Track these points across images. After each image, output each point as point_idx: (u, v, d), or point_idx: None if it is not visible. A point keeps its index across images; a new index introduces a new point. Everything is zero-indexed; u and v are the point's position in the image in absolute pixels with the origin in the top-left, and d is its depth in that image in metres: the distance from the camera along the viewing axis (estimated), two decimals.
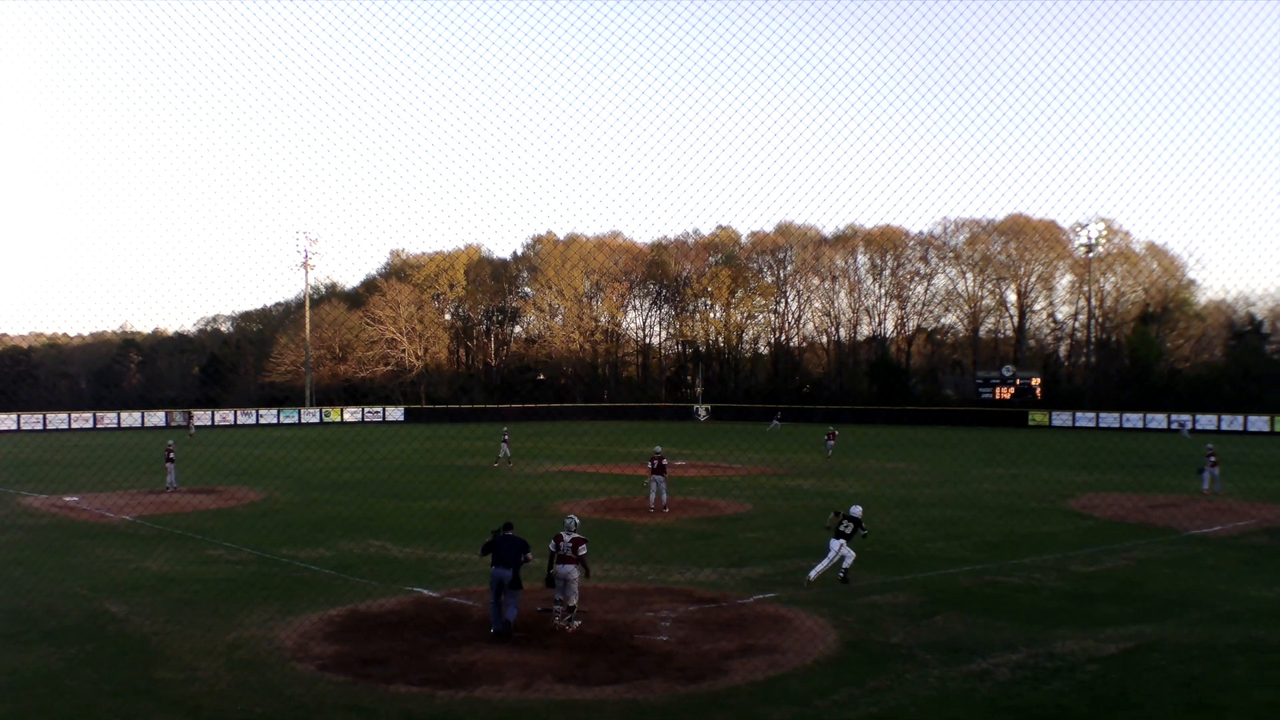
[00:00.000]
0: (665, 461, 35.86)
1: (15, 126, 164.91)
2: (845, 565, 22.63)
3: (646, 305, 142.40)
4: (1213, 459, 41.22)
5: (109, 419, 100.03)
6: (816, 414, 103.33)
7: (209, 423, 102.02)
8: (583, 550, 18.36)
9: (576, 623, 18.43)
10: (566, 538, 18.41)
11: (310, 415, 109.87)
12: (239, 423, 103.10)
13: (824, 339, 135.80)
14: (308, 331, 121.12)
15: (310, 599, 20.80)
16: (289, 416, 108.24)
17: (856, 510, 23.29)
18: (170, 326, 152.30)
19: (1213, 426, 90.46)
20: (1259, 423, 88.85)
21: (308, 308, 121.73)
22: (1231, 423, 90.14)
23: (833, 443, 64.40)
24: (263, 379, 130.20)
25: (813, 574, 22.53)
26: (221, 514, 35.29)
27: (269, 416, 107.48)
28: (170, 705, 14.22)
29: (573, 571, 18.27)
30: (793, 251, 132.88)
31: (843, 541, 22.62)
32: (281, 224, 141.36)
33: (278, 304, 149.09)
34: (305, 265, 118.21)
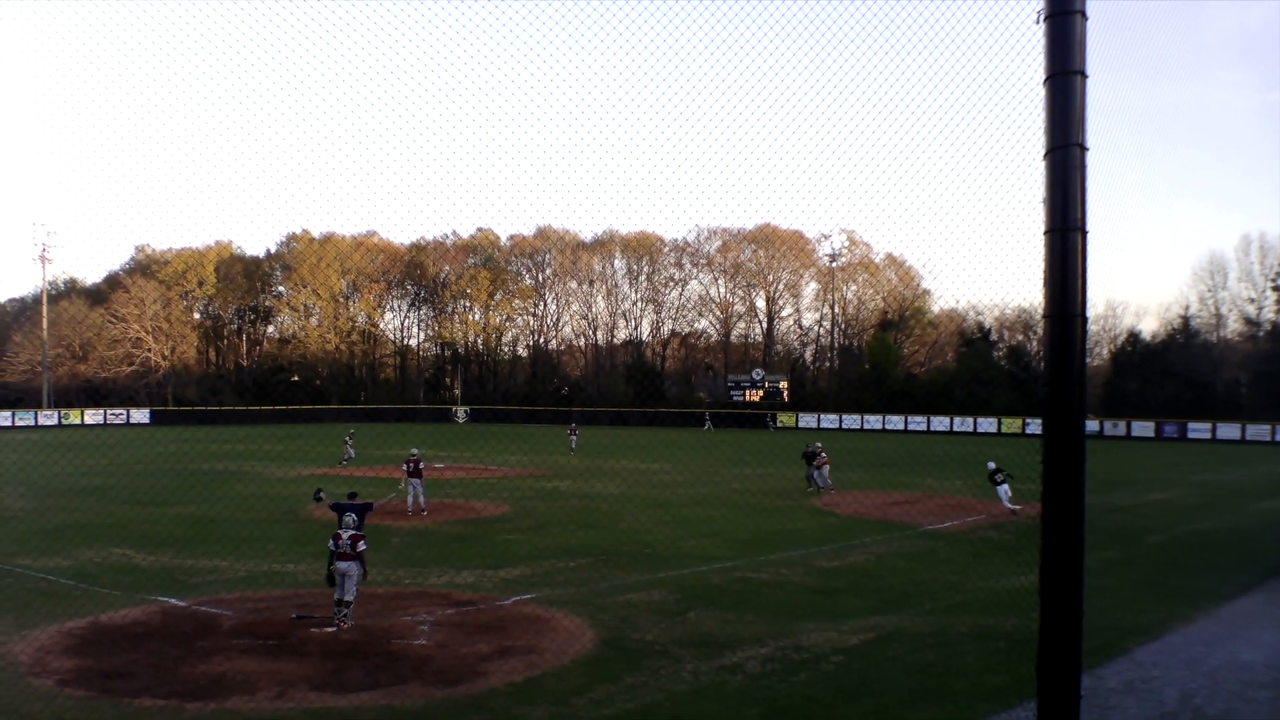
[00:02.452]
0: (422, 464, 35.65)
1: None
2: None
3: (405, 306, 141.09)
4: (823, 457, 43.41)
5: None
6: (574, 416, 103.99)
7: None
8: (362, 546, 18.33)
9: (350, 621, 18.25)
10: (345, 535, 18.29)
11: (48, 417, 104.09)
12: None
13: (582, 342, 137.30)
14: (45, 329, 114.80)
15: (48, 611, 19.78)
16: (24, 419, 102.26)
17: (991, 465, 35.75)
18: None
19: (946, 428, 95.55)
20: (987, 424, 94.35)
21: (45, 304, 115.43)
22: (963, 424, 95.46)
23: (575, 438, 65.35)
24: None
25: (1011, 506, 35.09)
26: None
27: (3, 419, 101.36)
28: None
29: (353, 568, 18.19)
30: (552, 255, 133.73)
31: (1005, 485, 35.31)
32: (17, 214, 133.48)
33: (12, 300, 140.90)
34: (43, 259, 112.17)
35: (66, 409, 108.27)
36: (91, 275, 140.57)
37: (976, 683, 15.46)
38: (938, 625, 18.97)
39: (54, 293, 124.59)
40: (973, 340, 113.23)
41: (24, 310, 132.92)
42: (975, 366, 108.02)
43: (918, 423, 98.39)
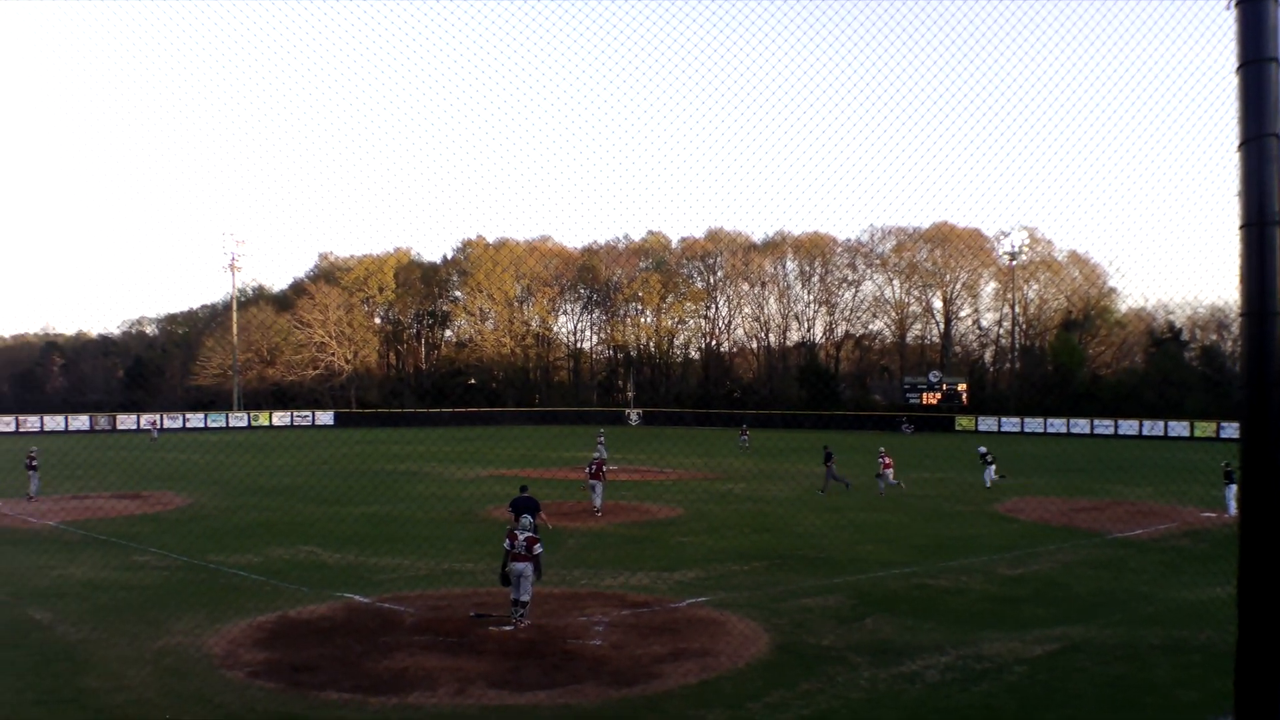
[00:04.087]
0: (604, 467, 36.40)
1: None
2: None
3: (577, 310, 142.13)
4: (885, 460, 42.95)
5: (31, 422, 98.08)
6: (747, 419, 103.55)
7: (134, 427, 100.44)
8: (537, 549, 18.71)
9: (526, 621, 18.55)
10: (521, 536, 18.65)
11: (238, 419, 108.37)
12: (165, 426, 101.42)
13: (754, 344, 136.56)
14: (235, 334, 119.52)
15: (239, 605, 20.57)
16: (216, 421, 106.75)
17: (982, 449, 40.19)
18: (94, 329, 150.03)
19: (1134, 432, 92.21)
20: (1179, 428, 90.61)
21: (235, 310, 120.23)
22: (1153, 428, 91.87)
23: (746, 439, 64.93)
24: (189, 382, 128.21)
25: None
26: (148, 519, 34.79)
27: (196, 421, 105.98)
28: (97, 714, 14.03)
29: (527, 569, 18.54)
30: (723, 257, 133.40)
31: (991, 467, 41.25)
32: (208, 225, 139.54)
33: (204, 306, 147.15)
34: (232, 267, 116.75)
35: (256, 411, 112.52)
36: (278, 282, 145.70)
37: (1168, 697, 14.89)
38: (1127, 637, 18.30)
39: (243, 299, 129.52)
40: (1163, 340, 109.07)
41: (215, 316, 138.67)
42: (1166, 368, 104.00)
43: (1104, 426, 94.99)
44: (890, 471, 42.85)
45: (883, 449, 44.58)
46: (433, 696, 14.72)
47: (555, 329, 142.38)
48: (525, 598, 18.61)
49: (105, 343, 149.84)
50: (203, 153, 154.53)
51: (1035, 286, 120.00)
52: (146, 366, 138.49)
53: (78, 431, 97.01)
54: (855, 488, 42.49)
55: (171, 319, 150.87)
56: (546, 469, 53.69)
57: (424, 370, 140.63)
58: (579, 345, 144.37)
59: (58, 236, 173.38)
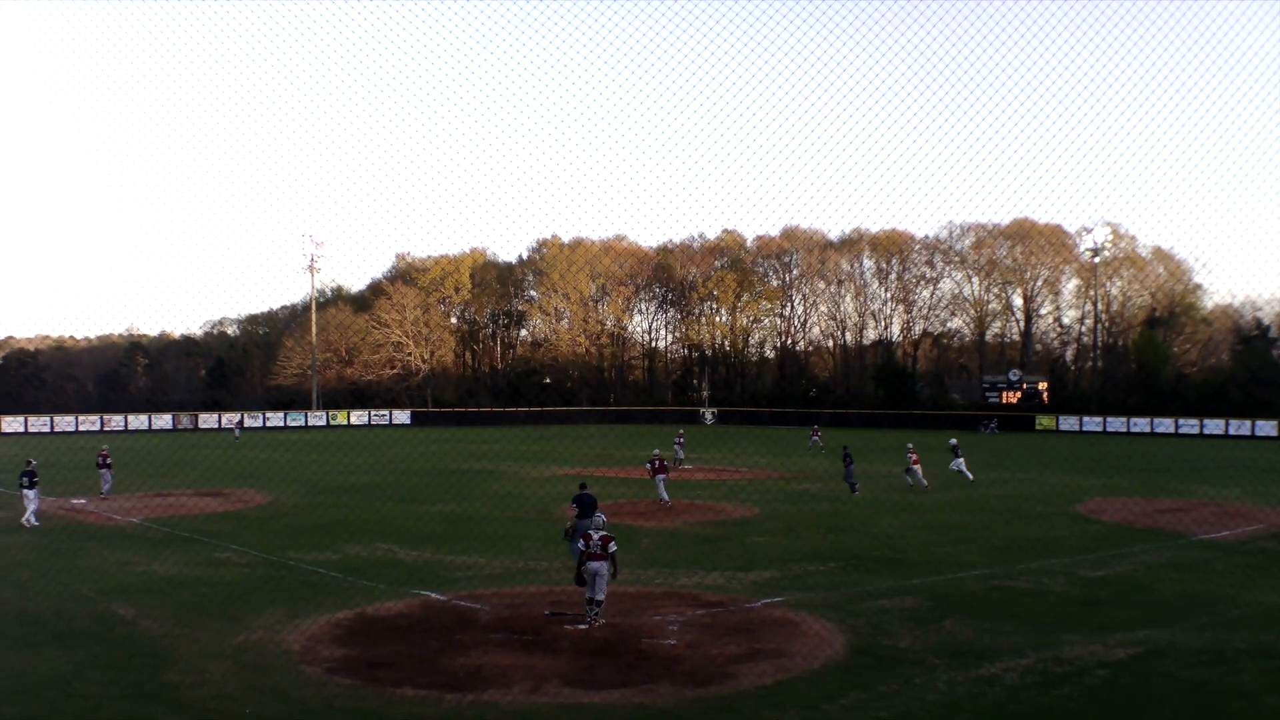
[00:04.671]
0: (669, 462, 37.00)
1: (23, 127, 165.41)
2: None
3: (652, 309, 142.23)
4: (913, 457, 43.25)
5: (116, 421, 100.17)
6: (823, 418, 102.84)
7: (215, 425, 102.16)
8: (612, 547, 18.74)
9: (601, 620, 18.59)
10: (595, 535, 18.70)
11: (317, 418, 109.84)
12: (246, 425, 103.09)
13: (830, 343, 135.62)
14: (314, 334, 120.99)
15: (317, 602, 20.80)
16: (295, 419, 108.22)
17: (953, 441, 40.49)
18: (176, 330, 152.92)
19: (1220, 432, 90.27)
20: (1266, 427, 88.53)
21: (314, 311, 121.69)
22: (1239, 427, 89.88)
23: (818, 439, 64.51)
24: (269, 382, 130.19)
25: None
26: (229, 517, 35.32)
27: (276, 419, 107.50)
28: (178, 708, 14.23)
29: (603, 568, 18.58)
30: (798, 255, 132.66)
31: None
32: (288, 227, 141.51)
33: (284, 307, 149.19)
34: (311, 268, 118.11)
35: (334, 410, 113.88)
36: (356, 283, 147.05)
37: (1255, 703, 14.55)
38: (1212, 641, 17.88)
39: (322, 300, 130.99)
40: (1250, 338, 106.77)
41: (294, 317, 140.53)
42: (1253, 366, 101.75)
43: (1189, 425, 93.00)
44: (919, 468, 42.74)
45: (910, 445, 44.55)
46: (508, 694, 14.75)
47: (630, 328, 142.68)
48: (600, 596, 18.62)
49: (188, 343, 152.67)
50: (283, 157, 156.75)
51: (1118, 283, 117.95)
52: (228, 366, 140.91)
53: (160, 430, 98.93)
54: (860, 494, 41.52)
55: (252, 319, 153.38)
56: (621, 468, 53.73)
57: (499, 369, 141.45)
58: (654, 344, 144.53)
59: (143, 240, 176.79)
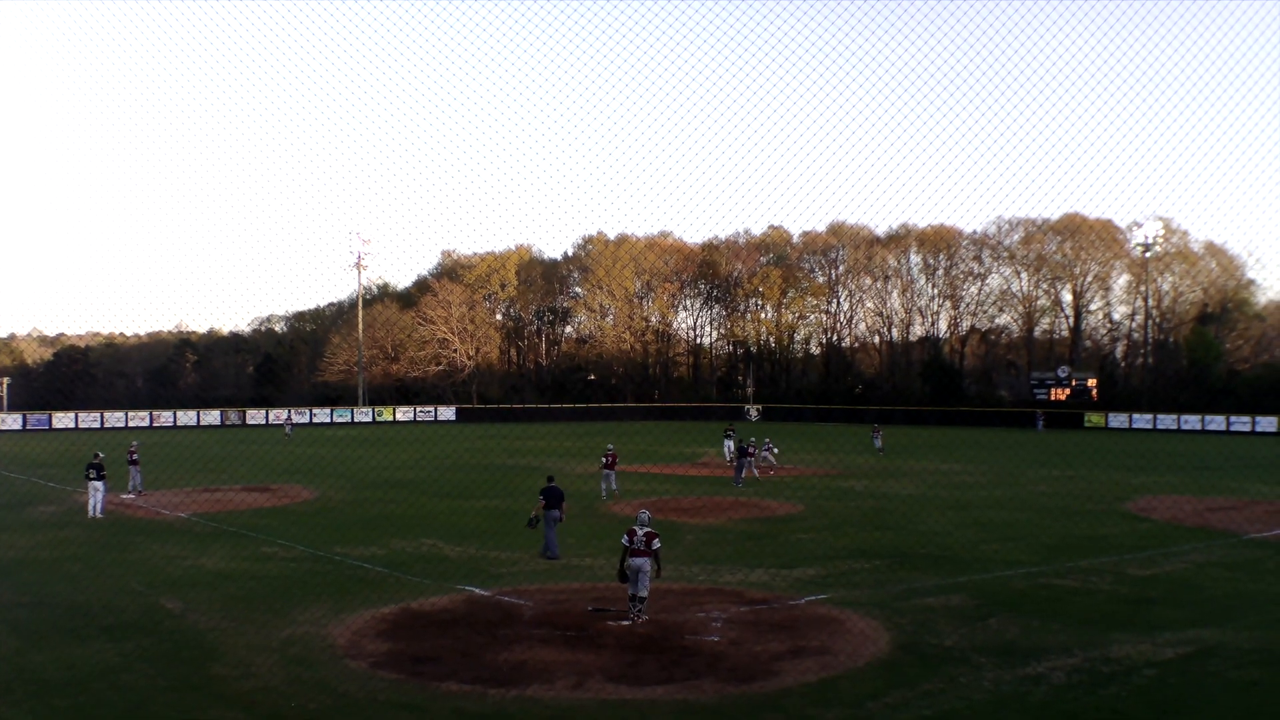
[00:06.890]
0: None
1: (73, 128, 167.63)
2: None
3: (697, 305, 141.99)
4: (751, 450, 46.10)
5: (165, 418, 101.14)
6: (869, 415, 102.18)
7: (262, 422, 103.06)
8: (656, 544, 18.73)
9: (644, 616, 18.55)
10: (640, 532, 18.68)
11: (363, 414, 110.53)
12: (293, 421, 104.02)
13: (876, 339, 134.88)
14: (360, 331, 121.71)
15: (363, 596, 20.92)
16: (342, 416, 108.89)
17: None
18: (225, 326, 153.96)
19: (1273, 429, 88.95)
20: None
21: (360, 308, 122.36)
22: None
23: (879, 438, 63.75)
24: (316, 378, 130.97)
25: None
26: (276, 512, 35.60)
27: (322, 416, 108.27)
28: (225, 701, 14.35)
29: (645, 564, 18.58)
30: (845, 251, 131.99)
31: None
32: (335, 225, 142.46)
33: (331, 304, 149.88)
34: (358, 265, 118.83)
35: (380, 406, 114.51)
36: (403, 280, 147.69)
37: None
38: (1264, 641, 17.64)
39: (368, 297, 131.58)
40: None
41: (341, 314, 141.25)
42: None
43: (1241, 423, 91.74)
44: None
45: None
46: (551, 689, 14.76)
47: (675, 324, 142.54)
48: (644, 593, 18.62)
49: (236, 340, 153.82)
50: (331, 155, 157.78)
51: (1170, 279, 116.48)
52: (275, 363, 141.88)
53: (209, 426, 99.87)
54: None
55: (300, 316, 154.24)
56: (666, 464, 53.74)
57: (544, 366, 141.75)
58: (699, 340, 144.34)
59: (192, 238, 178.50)
